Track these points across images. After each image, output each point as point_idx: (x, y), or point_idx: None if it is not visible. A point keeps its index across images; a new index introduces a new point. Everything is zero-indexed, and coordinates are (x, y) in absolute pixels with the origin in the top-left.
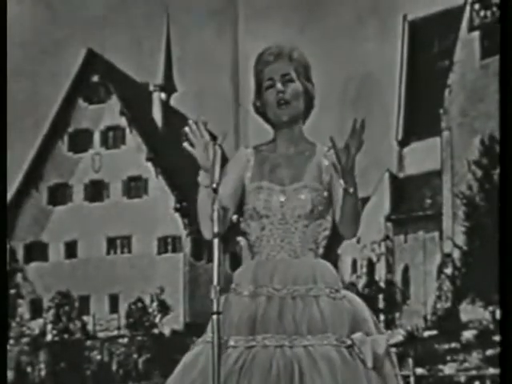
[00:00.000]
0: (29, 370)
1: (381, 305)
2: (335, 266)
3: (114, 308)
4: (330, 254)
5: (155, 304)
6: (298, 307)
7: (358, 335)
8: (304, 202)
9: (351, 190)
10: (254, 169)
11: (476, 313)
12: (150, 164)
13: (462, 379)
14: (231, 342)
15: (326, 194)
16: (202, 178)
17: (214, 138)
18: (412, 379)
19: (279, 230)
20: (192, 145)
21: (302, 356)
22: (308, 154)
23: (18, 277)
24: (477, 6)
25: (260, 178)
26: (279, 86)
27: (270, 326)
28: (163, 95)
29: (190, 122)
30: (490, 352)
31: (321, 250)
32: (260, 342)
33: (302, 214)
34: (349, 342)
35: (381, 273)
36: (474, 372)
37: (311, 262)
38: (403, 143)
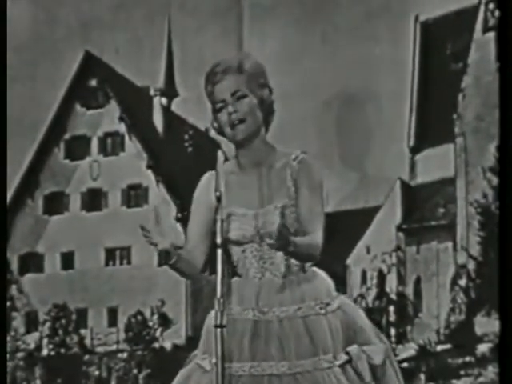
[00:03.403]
0: None
1: (392, 318)
2: (343, 277)
3: (112, 321)
4: (338, 264)
5: (156, 317)
6: (284, 331)
7: (353, 348)
8: (277, 225)
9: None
10: (225, 194)
11: (492, 325)
12: (150, 172)
13: None
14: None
15: (295, 207)
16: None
17: (216, 144)
18: None
19: (260, 251)
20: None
21: None
22: (273, 166)
23: (13, 289)
24: (491, 6)
25: (231, 203)
26: (230, 107)
27: (258, 353)
28: (164, 100)
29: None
30: None
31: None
32: (247, 372)
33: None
34: (344, 358)
35: (392, 285)
36: None
37: (298, 279)
38: (415, 150)
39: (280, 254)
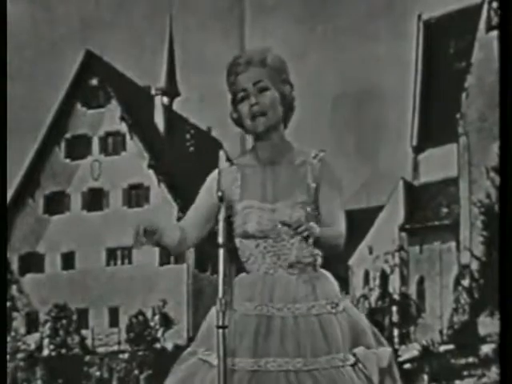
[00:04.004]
0: None
1: (395, 318)
2: (346, 278)
3: (113, 322)
4: (341, 265)
5: (157, 317)
6: (300, 328)
7: (360, 350)
8: (297, 221)
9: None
10: (242, 187)
11: (495, 326)
12: (151, 171)
13: None
14: (230, 365)
15: (314, 204)
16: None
17: (218, 144)
18: None
19: (274, 247)
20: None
21: (307, 382)
22: (292, 162)
23: (13, 289)
24: (495, 5)
25: (248, 196)
26: (253, 99)
27: (272, 349)
28: (165, 99)
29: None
30: None
31: (319, 260)
32: (263, 367)
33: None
34: (352, 359)
35: (395, 285)
36: None
37: (310, 278)
38: (418, 149)
39: (294, 251)
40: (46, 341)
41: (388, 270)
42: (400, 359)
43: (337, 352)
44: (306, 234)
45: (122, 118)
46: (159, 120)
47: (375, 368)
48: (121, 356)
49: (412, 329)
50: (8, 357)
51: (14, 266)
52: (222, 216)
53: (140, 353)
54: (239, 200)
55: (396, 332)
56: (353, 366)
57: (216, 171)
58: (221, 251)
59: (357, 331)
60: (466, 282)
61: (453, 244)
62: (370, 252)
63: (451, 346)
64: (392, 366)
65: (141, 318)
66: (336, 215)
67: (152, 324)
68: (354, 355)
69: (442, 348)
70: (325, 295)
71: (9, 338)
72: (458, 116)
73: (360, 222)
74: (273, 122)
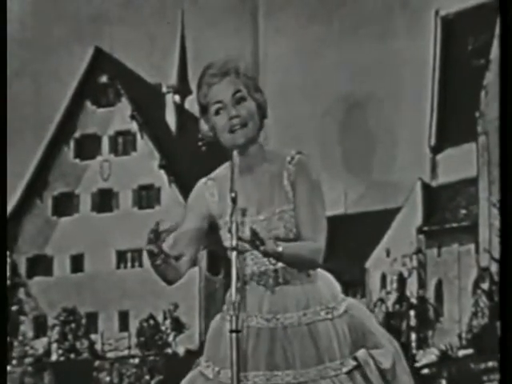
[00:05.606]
0: None
1: (412, 322)
2: (362, 281)
3: (123, 326)
4: (357, 268)
5: (168, 321)
6: (289, 340)
7: (361, 353)
8: (276, 232)
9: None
10: (220, 203)
11: None
12: (162, 172)
13: None
14: (222, 377)
15: (295, 211)
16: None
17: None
18: None
19: (260, 259)
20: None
21: None
22: (269, 169)
23: (21, 292)
24: None
25: (227, 210)
26: (233, 111)
27: (261, 362)
28: (177, 97)
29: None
30: None
31: None
32: (251, 380)
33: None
34: (352, 364)
35: (412, 288)
36: None
37: (302, 284)
38: (436, 149)
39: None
40: (54, 345)
41: (405, 273)
42: (418, 364)
43: (331, 360)
44: (261, 249)
45: (133, 117)
46: (171, 119)
47: (374, 370)
48: (131, 361)
49: (430, 333)
50: (15, 362)
51: (22, 268)
52: (234, 218)
53: (151, 358)
54: (220, 217)
55: (414, 336)
56: (350, 372)
57: (202, 181)
58: (233, 254)
59: (362, 332)
60: (485, 285)
61: (472, 246)
62: (388, 255)
63: (470, 351)
64: (400, 365)
65: (151, 322)
66: (315, 227)
67: (163, 328)
68: (356, 359)
69: (461, 352)
70: (318, 300)
71: (16, 343)
72: (476, 115)
73: (377, 224)
74: (252, 135)
